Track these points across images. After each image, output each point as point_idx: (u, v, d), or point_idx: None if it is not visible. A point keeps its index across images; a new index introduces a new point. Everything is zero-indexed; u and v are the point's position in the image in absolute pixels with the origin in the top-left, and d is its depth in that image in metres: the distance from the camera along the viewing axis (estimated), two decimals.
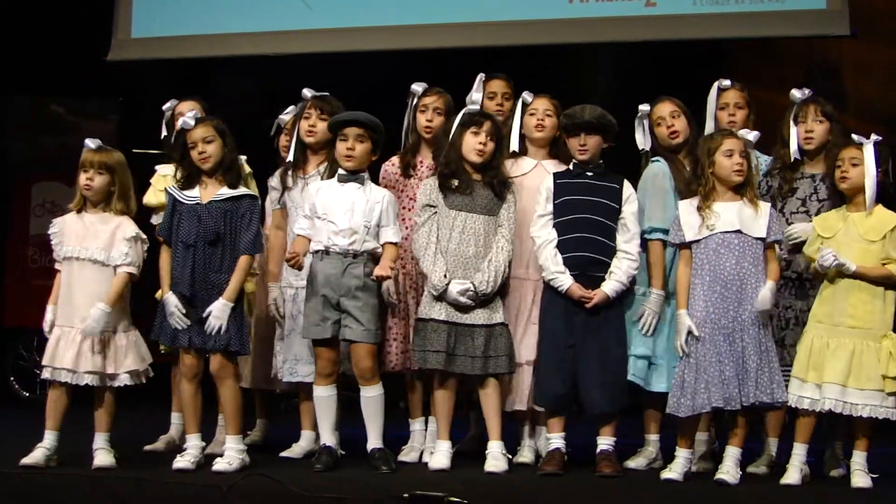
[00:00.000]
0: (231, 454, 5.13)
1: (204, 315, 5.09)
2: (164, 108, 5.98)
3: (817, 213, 5.23)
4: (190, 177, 5.23)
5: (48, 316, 5.18)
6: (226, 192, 5.20)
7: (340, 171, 5.31)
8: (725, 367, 4.93)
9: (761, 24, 7.14)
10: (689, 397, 4.97)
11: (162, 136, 5.99)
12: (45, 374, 5.14)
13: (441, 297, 5.18)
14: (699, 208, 5.06)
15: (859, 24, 7.04)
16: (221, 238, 5.16)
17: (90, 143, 5.28)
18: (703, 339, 4.97)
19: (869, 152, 5.00)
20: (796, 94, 5.47)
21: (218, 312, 5.09)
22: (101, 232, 5.19)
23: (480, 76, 5.78)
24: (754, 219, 5.02)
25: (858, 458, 4.92)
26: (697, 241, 5.06)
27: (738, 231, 5.01)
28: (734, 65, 8.08)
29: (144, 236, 5.28)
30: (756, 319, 4.95)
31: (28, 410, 5.31)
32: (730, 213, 5.03)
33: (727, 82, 5.68)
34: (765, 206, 5.07)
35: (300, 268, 5.23)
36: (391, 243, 5.25)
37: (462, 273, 5.20)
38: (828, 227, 5.05)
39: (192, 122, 5.22)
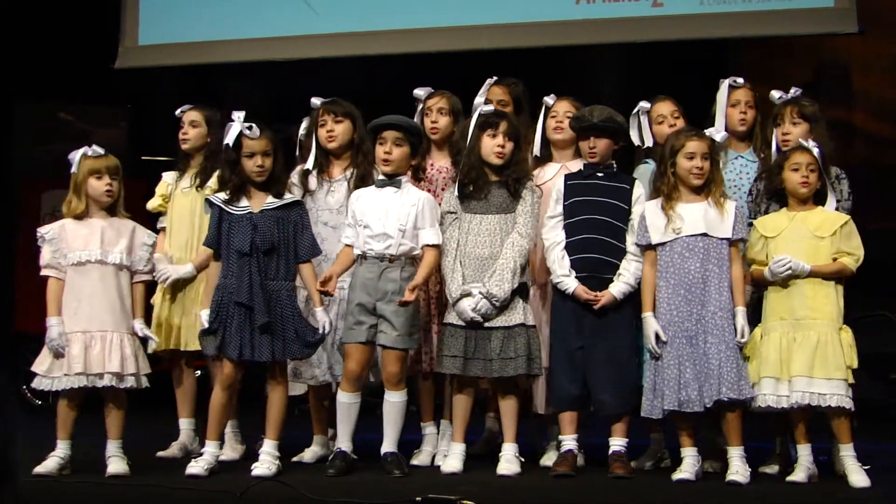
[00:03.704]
0: (268, 459, 5.13)
1: (324, 328, 5.16)
2: (177, 112, 5.98)
3: None
4: (240, 186, 5.19)
5: (57, 328, 5.11)
6: (274, 200, 5.20)
7: (379, 176, 5.31)
8: (685, 370, 4.95)
9: (769, 22, 7.14)
10: (659, 399, 5.00)
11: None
12: (69, 383, 5.05)
13: (454, 306, 5.19)
14: (663, 208, 5.08)
15: (867, 20, 7.03)
16: (276, 247, 5.16)
17: (98, 149, 5.27)
18: (665, 342, 5.01)
19: (819, 156, 5.06)
20: (775, 95, 5.46)
21: (328, 320, 5.18)
22: (118, 236, 5.20)
23: (489, 80, 5.79)
24: (720, 220, 5.04)
25: (848, 452, 4.92)
26: (663, 243, 5.07)
27: (704, 234, 5.03)
28: (742, 64, 8.08)
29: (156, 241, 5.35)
30: (721, 318, 4.97)
31: (40, 419, 5.32)
32: (695, 215, 5.05)
33: (740, 80, 5.66)
34: (730, 206, 5.09)
35: (331, 293, 5.25)
36: (429, 245, 5.22)
37: (476, 275, 5.20)
38: (771, 227, 5.08)
39: (258, 133, 5.16)
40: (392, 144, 5.23)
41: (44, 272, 5.22)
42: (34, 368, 5.17)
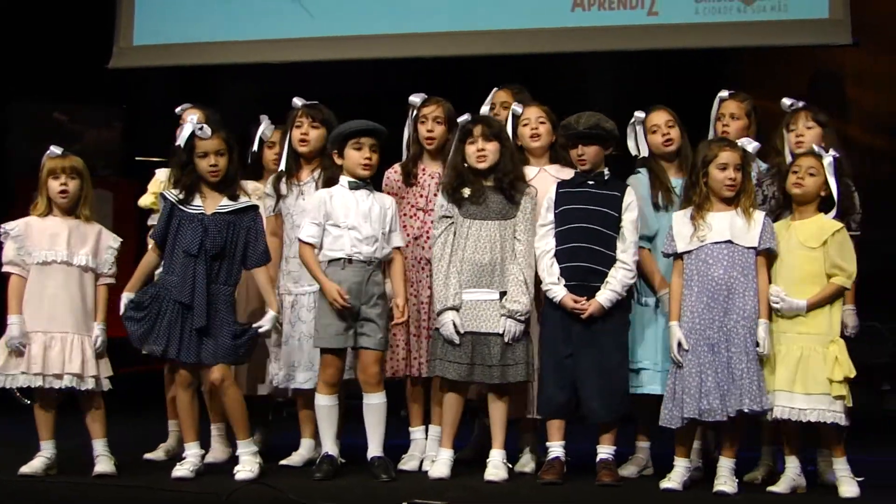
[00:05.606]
0: (248, 459, 5.12)
1: (259, 327, 5.12)
2: (177, 110, 5.96)
3: None
4: (192, 186, 5.18)
5: (18, 326, 5.06)
6: (229, 203, 5.18)
7: (350, 178, 5.29)
8: (706, 379, 4.93)
9: (763, 33, 7.17)
10: (678, 408, 4.98)
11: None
12: (27, 381, 5.05)
13: (439, 313, 5.20)
14: (692, 217, 5.07)
15: (861, 33, 7.05)
16: (224, 251, 5.14)
17: (56, 149, 5.25)
18: (687, 350, 5.00)
19: (829, 164, 5.01)
20: (787, 102, 5.47)
21: (270, 324, 5.14)
22: (84, 238, 5.18)
23: (495, 90, 5.79)
24: (746, 228, 5.02)
25: (840, 465, 4.92)
26: (689, 251, 5.07)
27: (729, 241, 5.01)
28: (737, 74, 8.09)
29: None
30: (743, 327, 4.95)
31: (29, 418, 5.31)
32: (721, 223, 5.03)
33: (726, 93, 5.66)
34: (758, 216, 5.06)
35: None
36: (397, 248, 5.30)
37: (475, 280, 5.20)
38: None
39: (209, 132, 5.15)
40: (370, 150, 5.24)
41: (6, 269, 5.18)
42: None
